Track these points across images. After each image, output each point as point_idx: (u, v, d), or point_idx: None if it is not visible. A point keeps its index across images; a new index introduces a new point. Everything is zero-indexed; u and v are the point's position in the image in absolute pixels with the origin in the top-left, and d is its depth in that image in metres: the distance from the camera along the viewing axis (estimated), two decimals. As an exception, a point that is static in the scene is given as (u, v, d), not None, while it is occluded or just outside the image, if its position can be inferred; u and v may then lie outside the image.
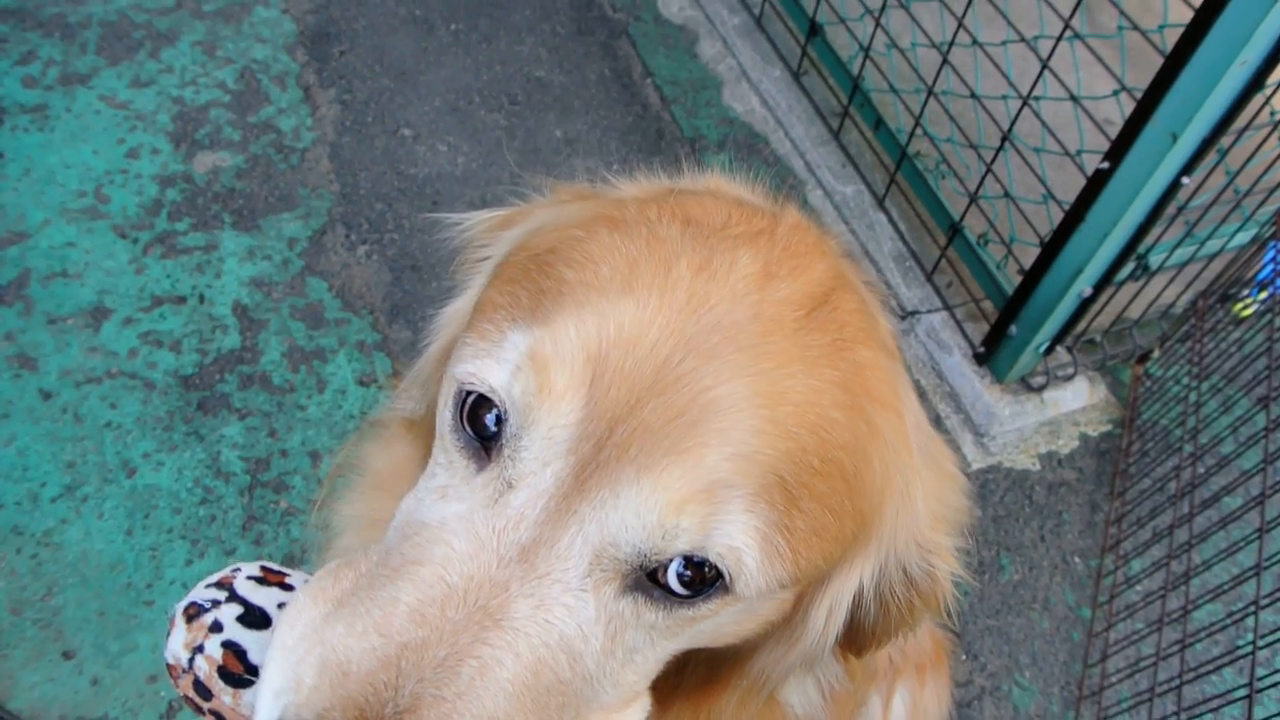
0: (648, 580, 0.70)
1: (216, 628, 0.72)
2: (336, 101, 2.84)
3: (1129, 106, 1.93)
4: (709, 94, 3.15)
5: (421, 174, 2.71)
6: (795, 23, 3.16)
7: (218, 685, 0.70)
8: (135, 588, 1.94)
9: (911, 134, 2.62)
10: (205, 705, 0.71)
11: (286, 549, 2.02)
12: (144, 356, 2.23)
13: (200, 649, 0.71)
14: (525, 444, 0.69)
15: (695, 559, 0.69)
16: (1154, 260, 2.30)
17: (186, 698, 0.73)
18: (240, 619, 0.73)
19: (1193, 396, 2.42)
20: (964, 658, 2.17)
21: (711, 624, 0.75)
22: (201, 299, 2.35)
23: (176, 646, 0.72)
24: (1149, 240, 2.14)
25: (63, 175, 2.50)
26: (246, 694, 0.70)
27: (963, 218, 2.54)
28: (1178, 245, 2.30)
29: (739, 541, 0.68)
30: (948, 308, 2.68)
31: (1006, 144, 2.31)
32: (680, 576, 0.70)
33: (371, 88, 2.89)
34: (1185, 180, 1.93)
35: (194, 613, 0.73)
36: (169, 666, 0.73)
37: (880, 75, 2.76)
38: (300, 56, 2.93)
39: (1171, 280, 2.51)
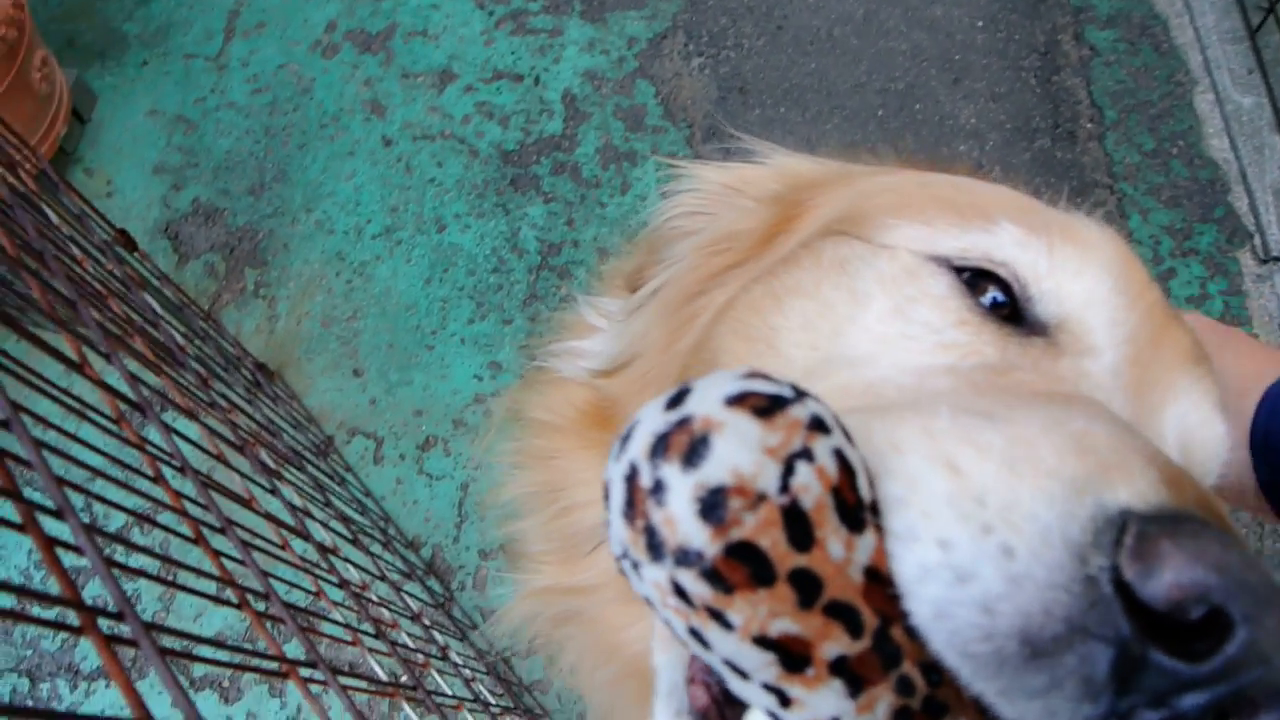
0: None
1: (819, 426, 0.39)
2: (708, -94, 2.77)
3: None
4: (1112, -40, 2.78)
5: (774, -4, 2.62)
6: (1243, -109, 2.68)
7: (831, 522, 0.38)
8: (422, 331, 2.13)
9: (1347, 44, 2.20)
10: (788, 563, 0.38)
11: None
12: (475, 125, 2.37)
13: (806, 455, 0.38)
14: (1091, 317, 0.64)
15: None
16: None
17: (727, 559, 0.37)
18: (838, 422, 0.41)
19: None
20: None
21: None
22: (537, 81, 2.43)
23: (740, 454, 0.37)
24: None
25: (442, -61, 2.63)
26: (860, 545, 0.39)
27: (1382, 156, 2.12)
28: None
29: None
30: (1328, 258, 2.29)
31: None
32: None
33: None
34: None
35: (764, 405, 0.39)
36: (718, 493, 0.37)
37: (1330, -32, 2.31)
38: None
39: None
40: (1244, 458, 0.86)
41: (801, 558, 0.37)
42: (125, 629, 0.50)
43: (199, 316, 1.71)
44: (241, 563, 0.72)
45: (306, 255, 2.22)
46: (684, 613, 0.39)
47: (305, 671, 0.68)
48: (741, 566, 0.37)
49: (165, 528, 0.75)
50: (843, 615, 0.39)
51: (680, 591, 0.38)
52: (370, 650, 1.03)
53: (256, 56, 2.45)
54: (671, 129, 2.38)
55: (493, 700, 1.44)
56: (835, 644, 0.39)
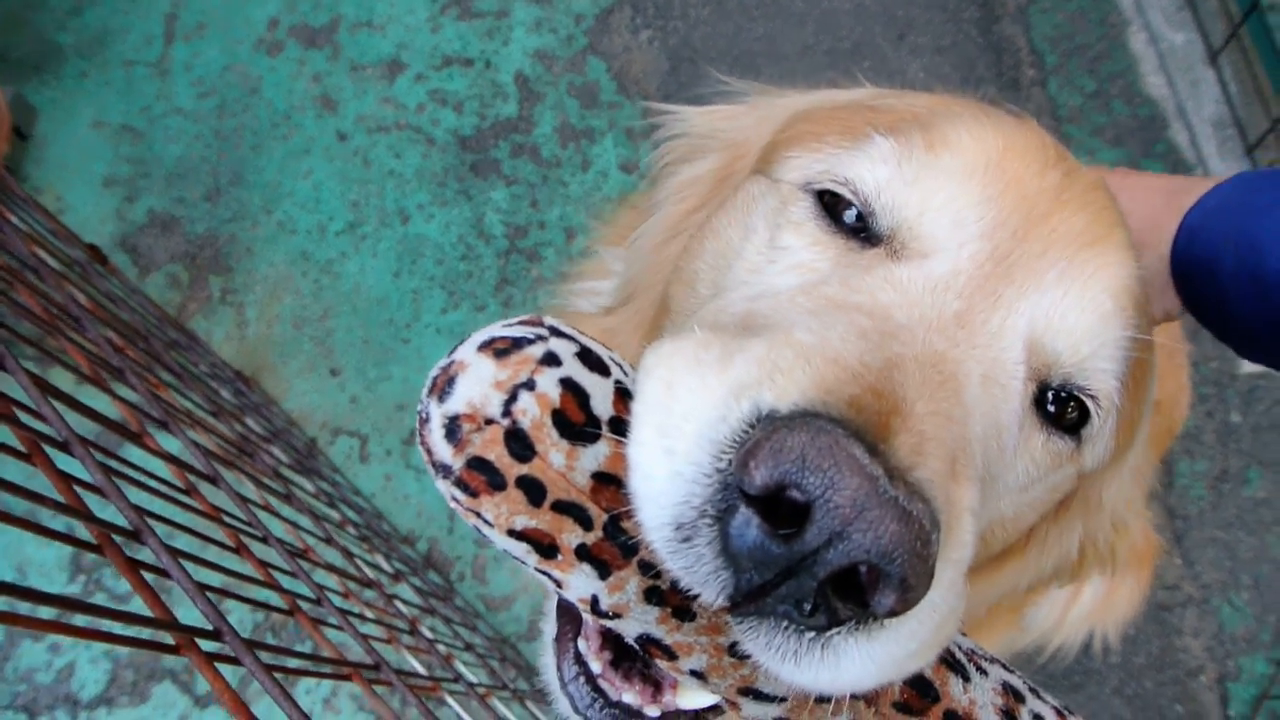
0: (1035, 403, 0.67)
1: (552, 360, 0.49)
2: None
3: None
4: (1043, -94, 2.82)
5: (715, -37, 2.62)
6: None
7: (549, 438, 0.47)
8: (396, 324, 2.12)
9: (1276, -24, 2.26)
10: (514, 471, 0.47)
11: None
12: (429, 113, 2.35)
13: (529, 385, 0.47)
14: (929, 223, 0.66)
15: (1070, 390, 0.67)
16: None
17: (468, 470, 0.47)
18: (580, 356, 0.50)
19: None
20: (1178, 562, 2.04)
21: (1044, 486, 0.71)
22: (488, 64, 2.42)
23: (474, 389, 0.47)
24: None
25: (378, -73, 2.59)
26: (585, 454, 0.48)
27: (1316, 83, 2.19)
28: None
29: (1113, 385, 0.67)
30: (1271, 184, 2.35)
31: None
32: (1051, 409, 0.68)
33: None
34: None
35: (504, 347, 0.49)
36: (455, 420, 0.47)
37: (1255, -99, 2.36)
38: None
39: None
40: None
41: (523, 467, 0.48)
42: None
43: (174, 328, 1.69)
44: (290, 573, 0.72)
45: (271, 258, 2.19)
46: (462, 514, 0.49)
47: (367, 674, 0.69)
48: (479, 475, 0.47)
49: (205, 537, 0.76)
50: (570, 511, 0.48)
51: (454, 497, 0.49)
52: (407, 648, 1.04)
53: (199, 59, 2.41)
54: (626, 103, 2.39)
55: (511, 685, 1.45)
56: (572, 535, 0.48)
